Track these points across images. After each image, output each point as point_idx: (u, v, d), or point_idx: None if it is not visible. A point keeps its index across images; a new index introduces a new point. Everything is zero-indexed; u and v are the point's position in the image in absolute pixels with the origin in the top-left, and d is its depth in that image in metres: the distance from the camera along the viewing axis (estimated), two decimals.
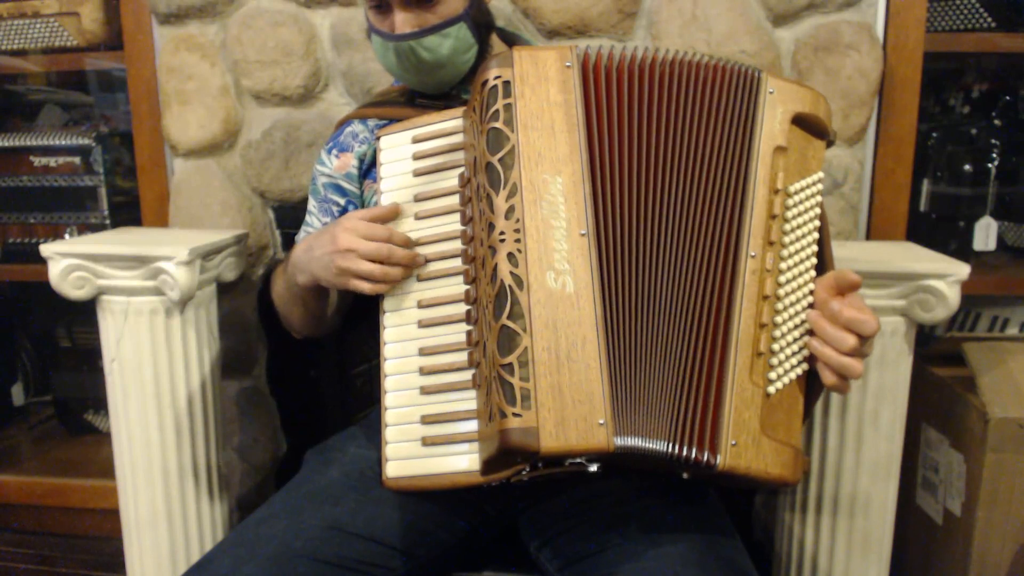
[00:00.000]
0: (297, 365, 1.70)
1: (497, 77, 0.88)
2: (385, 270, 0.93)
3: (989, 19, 1.60)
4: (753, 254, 0.86)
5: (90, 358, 2.08)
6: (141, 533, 1.39)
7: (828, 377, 0.84)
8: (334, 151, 1.17)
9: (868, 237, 1.53)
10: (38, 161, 1.83)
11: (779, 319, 0.86)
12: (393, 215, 0.97)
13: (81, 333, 2.10)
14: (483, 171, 0.87)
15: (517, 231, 0.83)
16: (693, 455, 0.81)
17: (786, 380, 0.86)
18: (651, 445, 0.81)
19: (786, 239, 0.88)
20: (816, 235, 0.91)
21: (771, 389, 0.85)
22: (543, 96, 0.88)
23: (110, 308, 1.34)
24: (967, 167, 1.72)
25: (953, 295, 1.18)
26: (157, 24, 1.58)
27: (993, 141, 1.72)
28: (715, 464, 0.81)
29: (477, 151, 0.90)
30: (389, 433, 0.93)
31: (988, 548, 1.33)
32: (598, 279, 0.83)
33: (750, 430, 0.82)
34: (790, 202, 0.89)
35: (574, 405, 0.79)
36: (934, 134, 1.74)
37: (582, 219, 0.84)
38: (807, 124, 0.92)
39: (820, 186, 0.92)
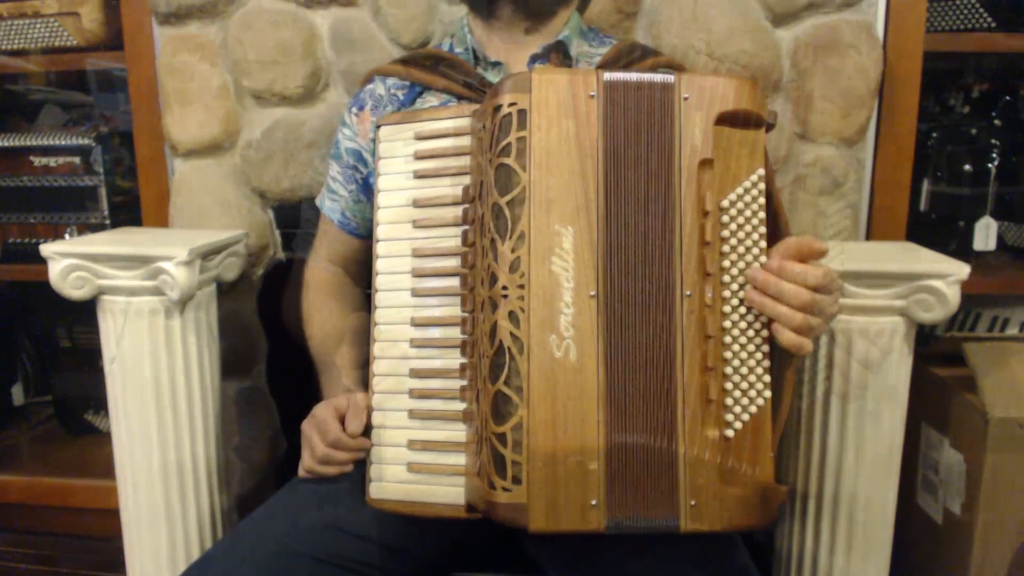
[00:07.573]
0: (297, 365, 1.70)
1: (512, 104, 0.80)
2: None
3: (989, 19, 1.60)
4: (688, 292, 0.79)
5: (90, 358, 2.08)
6: (141, 532, 1.39)
7: (786, 337, 0.79)
8: (354, 109, 1.15)
9: (868, 237, 1.53)
10: (38, 161, 1.83)
11: (728, 354, 0.80)
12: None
13: (81, 333, 2.10)
14: (490, 211, 0.82)
15: (521, 287, 0.78)
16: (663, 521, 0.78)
17: (745, 417, 0.80)
18: (645, 524, 0.78)
19: (726, 262, 0.81)
20: (763, 244, 0.82)
21: (729, 433, 0.80)
22: (563, 131, 0.79)
23: (110, 308, 1.34)
24: (967, 167, 1.71)
25: (953, 295, 1.18)
26: (157, 24, 1.58)
27: (993, 141, 1.72)
28: (676, 527, 0.78)
29: (485, 180, 0.84)
30: (374, 453, 0.91)
31: (988, 548, 1.32)
32: (603, 345, 0.78)
33: (709, 485, 0.78)
34: (725, 218, 0.81)
35: (567, 486, 0.76)
36: (934, 134, 1.74)
37: (592, 279, 0.78)
38: (735, 120, 0.81)
39: (761, 186, 0.81)
